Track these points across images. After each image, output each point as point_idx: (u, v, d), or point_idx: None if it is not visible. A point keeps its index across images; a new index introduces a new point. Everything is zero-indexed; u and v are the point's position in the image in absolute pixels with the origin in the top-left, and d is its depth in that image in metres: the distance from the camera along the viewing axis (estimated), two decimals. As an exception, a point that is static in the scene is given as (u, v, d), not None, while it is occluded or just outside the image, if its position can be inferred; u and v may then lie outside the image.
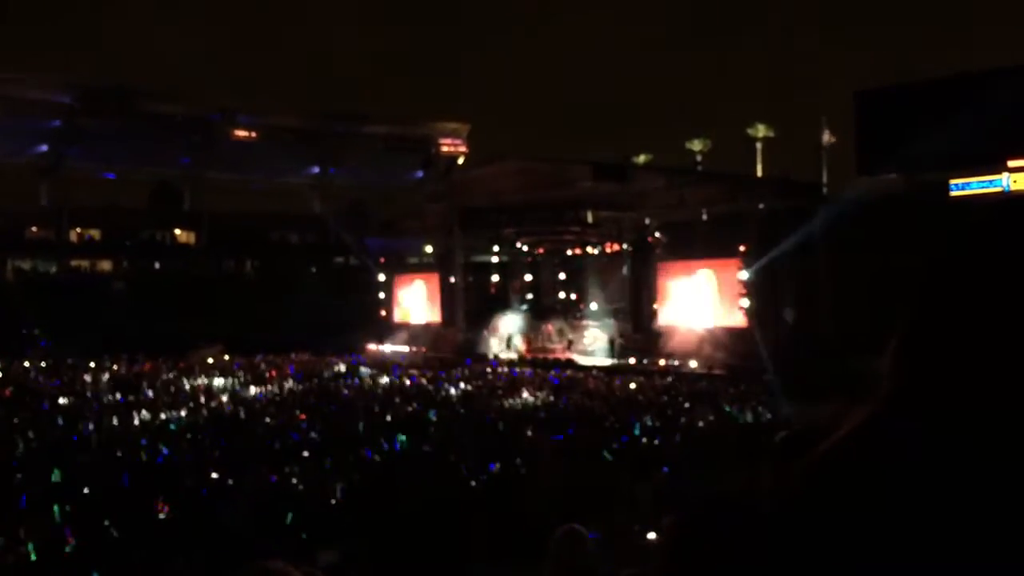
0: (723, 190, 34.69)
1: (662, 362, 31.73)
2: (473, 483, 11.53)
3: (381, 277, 45.29)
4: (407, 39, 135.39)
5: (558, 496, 10.06)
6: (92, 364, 30.55)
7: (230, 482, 11.45)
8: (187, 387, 25.09)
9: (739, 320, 31.59)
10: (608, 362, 33.83)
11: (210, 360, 33.15)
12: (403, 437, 14.90)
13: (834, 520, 0.83)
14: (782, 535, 0.87)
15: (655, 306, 34.59)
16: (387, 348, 41.05)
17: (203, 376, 27.57)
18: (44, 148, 54.57)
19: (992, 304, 0.80)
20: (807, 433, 1.02)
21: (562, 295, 40.83)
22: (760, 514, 0.95)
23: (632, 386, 25.13)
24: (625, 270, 36.60)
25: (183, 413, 19.56)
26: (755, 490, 0.98)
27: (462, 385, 25.64)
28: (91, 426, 17.06)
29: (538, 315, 40.18)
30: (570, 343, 38.08)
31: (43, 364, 31.80)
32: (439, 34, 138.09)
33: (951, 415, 0.79)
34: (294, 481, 11.56)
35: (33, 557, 8.35)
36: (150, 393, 23.41)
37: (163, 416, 18.96)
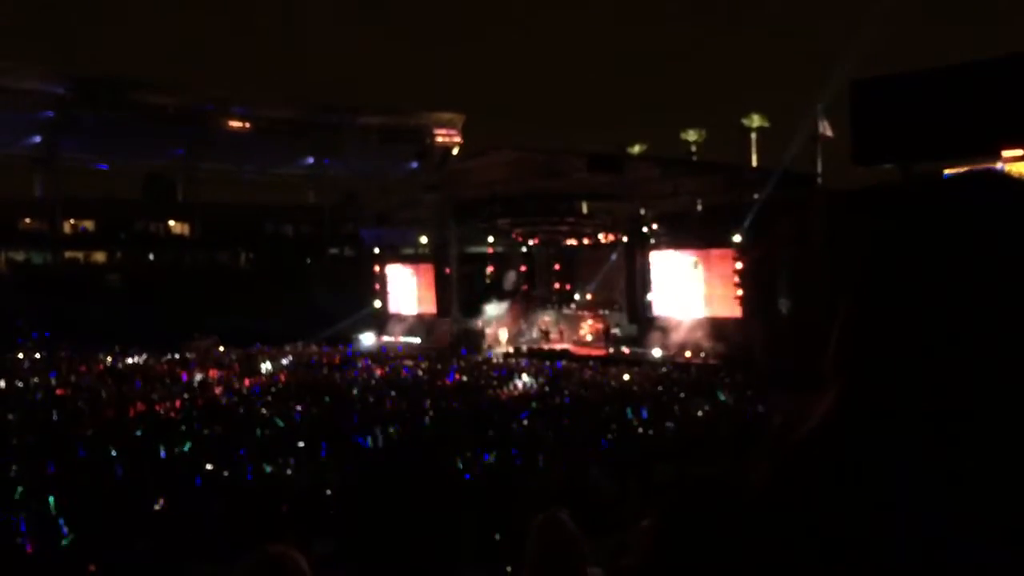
0: (718, 180, 34.67)
1: (656, 352, 31.75)
2: (468, 475, 11.54)
3: (376, 268, 45.24)
4: (407, 31, 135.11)
5: (553, 486, 10.06)
6: (86, 356, 30.46)
7: (225, 473, 11.45)
8: (182, 379, 25.07)
9: (734, 310, 31.62)
10: (603, 352, 33.89)
11: (205, 352, 33.11)
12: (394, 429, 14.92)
13: (797, 514, 0.83)
14: (760, 524, 0.87)
15: (650, 297, 34.61)
16: (382, 339, 41.04)
17: (198, 368, 27.54)
18: (37, 139, 54.32)
19: (930, 290, 0.79)
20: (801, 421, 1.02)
21: (557, 286, 40.87)
22: (745, 501, 0.95)
23: (627, 377, 25.14)
24: (620, 261, 36.61)
25: (178, 405, 19.55)
26: (747, 477, 0.98)
27: (457, 376, 25.64)
28: (86, 418, 17.04)
29: (533, 306, 40.19)
30: (565, 333, 38.10)
31: (37, 356, 31.74)
32: (438, 26, 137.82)
33: (897, 412, 0.78)
34: (289, 472, 11.57)
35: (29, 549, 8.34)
36: (144, 385, 23.40)
37: (158, 408, 18.95)
